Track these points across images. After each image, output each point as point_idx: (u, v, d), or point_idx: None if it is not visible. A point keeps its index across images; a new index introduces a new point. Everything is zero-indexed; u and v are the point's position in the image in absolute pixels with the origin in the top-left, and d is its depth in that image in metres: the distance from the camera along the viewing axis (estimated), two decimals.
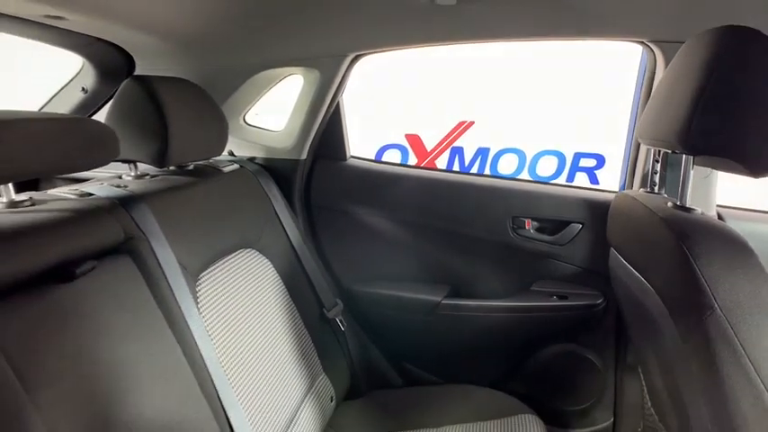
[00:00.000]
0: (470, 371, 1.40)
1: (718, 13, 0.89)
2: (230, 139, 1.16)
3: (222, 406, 0.83)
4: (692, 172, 0.80)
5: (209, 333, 0.87)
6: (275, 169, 1.32)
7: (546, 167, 3.15)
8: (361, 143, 1.46)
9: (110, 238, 0.74)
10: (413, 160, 3.26)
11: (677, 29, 1.00)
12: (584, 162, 3.15)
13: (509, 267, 1.34)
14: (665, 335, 0.77)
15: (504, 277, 1.35)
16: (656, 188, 1.04)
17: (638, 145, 1.20)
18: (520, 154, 3.20)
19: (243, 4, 0.98)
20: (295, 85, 1.34)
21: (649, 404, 1.06)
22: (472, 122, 3.36)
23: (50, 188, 0.89)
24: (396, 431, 1.19)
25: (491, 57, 3.01)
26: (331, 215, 1.41)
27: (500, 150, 3.27)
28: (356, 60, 1.22)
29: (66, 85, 1.24)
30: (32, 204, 0.72)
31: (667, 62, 1.04)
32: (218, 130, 1.08)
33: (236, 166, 1.22)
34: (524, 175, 3.18)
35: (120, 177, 0.97)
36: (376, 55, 1.23)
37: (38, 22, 0.92)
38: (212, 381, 0.82)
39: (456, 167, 3.27)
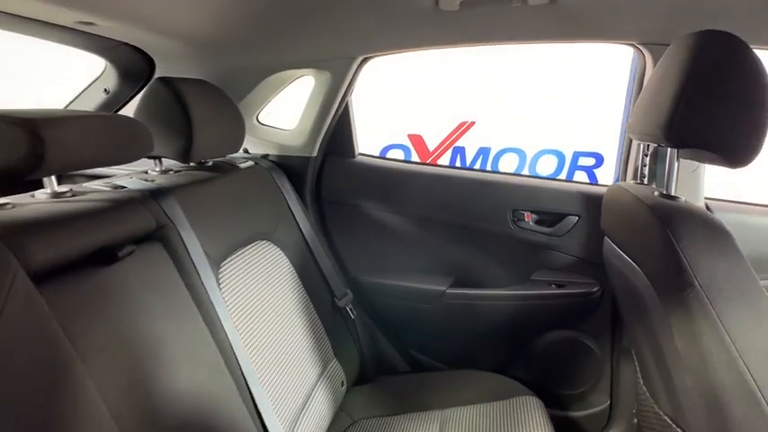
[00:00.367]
0: (474, 357, 1.46)
1: (701, 18, 0.96)
2: (245, 137, 1.23)
3: (246, 383, 0.89)
4: (676, 164, 0.87)
5: (232, 317, 0.94)
6: (287, 166, 1.39)
7: (546, 167, 3.20)
8: (364, 143, 1.53)
9: (143, 227, 0.81)
10: (415, 159, 3.32)
11: (664, 32, 1.06)
12: (584, 161, 3.19)
13: (510, 258, 1.41)
14: (652, 312, 0.84)
15: (505, 267, 1.41)
16: (646, 180, 1.12)
17: (630, 140, 1.27)
18: (520, 153, 3.24)
19: (259, 10, 1.05)
20: (301, 85, 1.41)
21: (642, 384, 1.12)
22: (473, 123, 3.42)
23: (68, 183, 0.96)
24: (404, 413, 1.26)
25: (490, 59, 3.07)
26: (340, 209, 1.48)
27: (501, 150, 3.32)
28: (365, 62, 1.29)
29: (89, 85, 1.31)
30: (73, 195, 0.79)
31: (655, 63, 1.10)
32: (236, 129, 1.15)
33: (251, 162, 1.29)
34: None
35: (146, 172, 1.04)
36: (381, 57, 1.30)
37: (69, 28, 0.99)
38: (237, 359, 0.89)
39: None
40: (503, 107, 3.22)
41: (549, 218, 1.37)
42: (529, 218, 1.38)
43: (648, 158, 1.15)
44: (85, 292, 0.67)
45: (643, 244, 0.85)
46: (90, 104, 1.33)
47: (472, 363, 1.43)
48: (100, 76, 1.29)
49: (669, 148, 0.86)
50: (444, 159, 3.31)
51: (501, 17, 1.07)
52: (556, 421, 1.16)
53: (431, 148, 3.42)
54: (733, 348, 0.70)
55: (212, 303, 0.88)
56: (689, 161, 1.16)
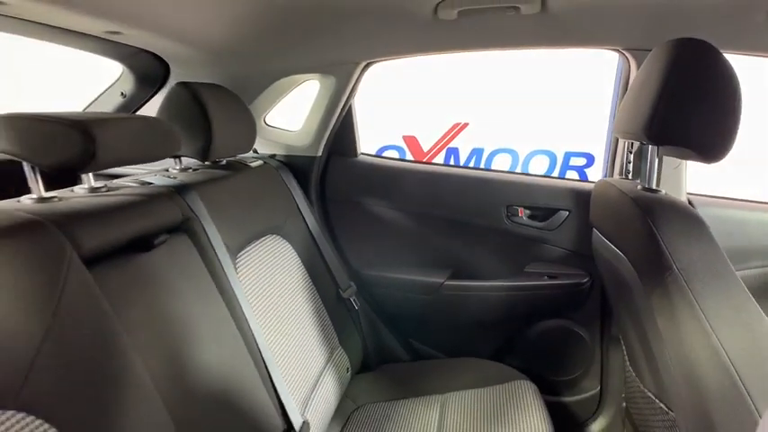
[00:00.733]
0: (471, 345, 1.53)
1: (679, 26, 1.05)
2: None
3: (264, 363, 0.97)
4: (657, 160, 0.96)
5: (249, 303, 1.01)
6: (294, 165, 1.46)
7: (538, 167, 3.27)
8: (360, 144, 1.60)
9: (171, 219, 0.89)
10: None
11: (646, 38, 1.15)
12: (575, 161, 3.27)
13: (504, 251, 1.48)
14: (636, 295, 0.92)
15: (500, 260, 1.49)
16: (630, 175, 1.20)
17: (617, 139, 1.35)
18: (513, 154, 3.31)
19: (269, 20, 1.12)
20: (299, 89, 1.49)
21: (629, 366, 1.20)
22: (466, 124, 3.50)
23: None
24: (406, 398, 1.33)
25: (482, 62, 3.15)
26: (343, 206, 1.55)
27: (494, 150, 3.40)
28: (368, 67, 1.36)
29: (106, 89, 1.38)
30: (108, 190, 0.86)
31: (639, 66, 1.19)
32: (249, 130, 1.22)
33: (260, 162, 1.37)
34: None
35: (167, 170, 1.11)
36: (383, 62, 1.38)
37: (96, 37, 1.06)
38: (255, 342, 0.96)
39: None
40: (495, 109, 3.29)
41: (541, 213, 1.45)
42: (522, 213, 1.46)
43: (633, 156, 1.23)
44: (126, 275, 0.74)
45: (627, 233, 0.93)
46: (107, 107, 1.39)
47: (469, 351, 1.51)
48: (117, 81, 1.36)
49: (650, 146, 0.94)
50: (438, 160, 3.38)
51: (495, 25, 1.15)
52: (549, 406, 1.23)
53: (425, 148, 3.49)
54: (707, 326, 0.78)
55: (233, 290, 0.95)
56: (672, 159, 1.25)
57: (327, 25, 1.16)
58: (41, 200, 0.74)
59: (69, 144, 0.68)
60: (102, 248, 0.71)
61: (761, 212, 1.38)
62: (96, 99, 1.39)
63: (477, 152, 3.42)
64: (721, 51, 0.85)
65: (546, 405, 1.23)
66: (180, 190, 0.95)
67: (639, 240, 0.87)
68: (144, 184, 0.96)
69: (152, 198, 0.87)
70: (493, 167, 3.29)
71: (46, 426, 0.55)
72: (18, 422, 0.53)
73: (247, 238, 1.11)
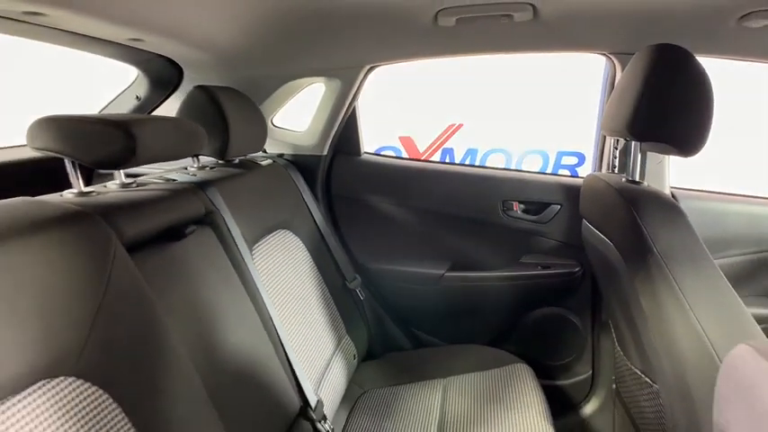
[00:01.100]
0: (470, 333, 1.62)
1: (659, 32, 1.14)
2: None
3: (282, 347, 1.04)
4: (640, 155, 1.05)
5: (266, 291, 1.09)
6: (301, 164, 1.54)
7: (531, 166, 3.35)
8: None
9: (196, 212, 0.96)
10: None
11: (630, 43, 1.24)
12: (567, 160, 3.36)
13: (500, 243, 1.57)
14: (622, 278, 1.01)
15: (496, 252, 1.57)
16: (617, 170, 1.29)
17: (604, 136, 1.45)
18: (507, 154, 3.41)
19: (279, 26, 1.19)
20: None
21: (618, 348, 1.29)
22: (461, 125, 3.58)
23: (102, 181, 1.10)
24: (410, 382, 1.41)
25: (476, 65, 3.23)
26: (348, 202, 1.63)
27: (488, 150, 3.49)
28: (371, 70, 1.45)
29: (121, 92, 1.45)
30: (137, 186, 0.94)
31: (623, 69, 1.28)
32: (261, 130, 1.30)
33: (269, 160, 1.44)
34: None
35: (186, 168, 1.18)
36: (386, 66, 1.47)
37: (116, 43, 1.13)
38: (274, 327, 1.04)
39: None
40: (489, 110, 3.38)
41: (535, 207, 1.53)
42: (517, 207, 1.54)
43: (619, 152, 1.32)
44: (161, 262, 0.82)
45: (613, 221, 1.02)
46: (122, 109, 1.47)
47: (469, 338, 1.59)
48: (132, 84, 1.43)
49: (634, 142, 1.03)
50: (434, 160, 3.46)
51: (491, 32, 1.23)
52: (544, 390, 1.31)
53: (421, 149, 3.57)
54: (685, 303, 0.86)
55: (252, 279, 1.03)
56: (655, 155, 1.34)
57: (333, 31, 1.24)
58: (82, 194, 0.82)
59: (113, 142, 0.76)
60: (140, 237, 0.78)
61: (739, 204, 1.48)
62: (111, 102, 1.46)
63: (471, 152, 3.50)
64: (697, 54, 0.95)
65: (541, 388, 1.31)
66: (201, 186, 1.03)
67: (624, 227, 0.96)
68: (168, 180, 1.03)
69: (177, 193, 0.94)
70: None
71: (100, 392, 0.63)
72: (77, 388, 0.61)
73: (261, 232, 1.19)
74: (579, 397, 1.60)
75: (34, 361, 0.56)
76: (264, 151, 1.56)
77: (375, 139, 3.37)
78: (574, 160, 3.30)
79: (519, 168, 3.28)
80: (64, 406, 0.58)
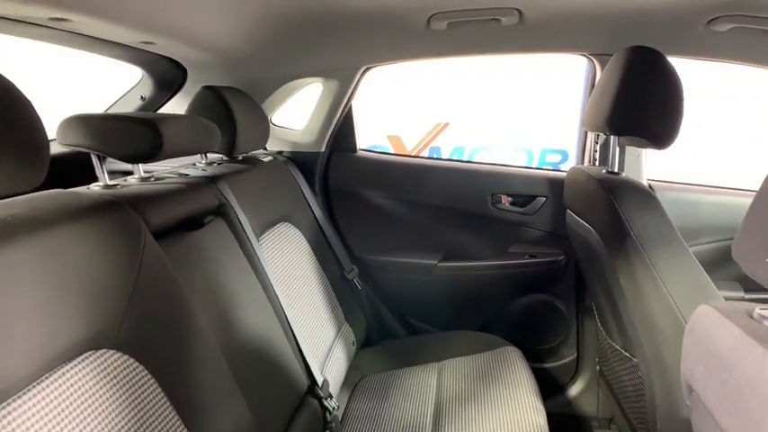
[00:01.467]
0: (462, 320, 1.70)
1: (635, 35, 1.23)
2: None
3: (291, 330, 1.12)
4: (618, 148, 1.14)
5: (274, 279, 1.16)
6: (299, 160, 1.61)
7: (516, 163, 3.44)
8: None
9: (210, 203, 1.03)
10: None
11: (608, 45, 1.33)
12: (550, 157, 3.47)
13: (490, 234, 1.66)
14: (603, 261, 1.10)
15: (486, 242, 1.66)
16: (597, 162, 1.39)
17: (585, 132, 1.54)
18: (492, 152, 3.50)
19: (279, 28, 1.26)
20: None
21: (601, 328, 1.38)
22: (447, 124, 3.67)
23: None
24: (406, 366, 1.49)
25: (460, 65, 3.32)
26: (345, 197, 1.70)
27: (474, 148, 3.58)
28: (367, 71, 1.52)
29: (126, 93, 1.51)
30: (155, 180, 1.00)
31: (603, 69, 1.37)
32: (264, 128, 1.37)
33: (270, 157, 1.51)
34: None
35: (194, 165, 1.25)
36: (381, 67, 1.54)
37: (126, 45, 1.19)
38: (284, 312, 1.11)
39: None
40: (473, 110, 3.47)
41: (522, 199, 1.63)
42: (505, 200, 1.63)
43: (599, 146, 1.42)
44: (182, 249, 0.88)
45: (594, 209, 1.11)
46: (127, 109, 1.52)
47: (461, 325, 1.67)
48: (137, 85, 1.49)
49: (612, 136, 1.13)
50: None
51: (480, 34, 1.32)
52: (533, 372, 1.39)
53: (409, 147, 3.66)
54: (659, 280, 0.95)
55: (262, 267, 1.10)
56: (633, 149, 1.44)
57: (331, 34, 1.31)
58: (107, 186, 0.88)
59: (142, 138, 0.82)
60: (164, 226, 0.85)
61: (711, 195, 1.59)
62: (116, 102, 1.52)
63: (458, 150, 3.59)
64: (669, 55, 1.04)
65: (530, 369, 1.40)
66: (213, 180, 1.09)
67: (604, 214, 1.05)
68: (181, 175, 1.10)
69: (193, 186, 1.01)
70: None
71: (136, 364, 0.70)
72: (117, 359, 0.68)
73: (266, 224, 1.26)
74: (566, 378, 1.70)
75: (81, 334, 0.62)
76: (265, 149, 1.62)
77: (363, 138, 3.45)
78: (558, 158, 3.41)
79: (506, 163, 3.38)
80: (106, 375, 0.65)
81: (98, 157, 0.87)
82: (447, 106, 3.58)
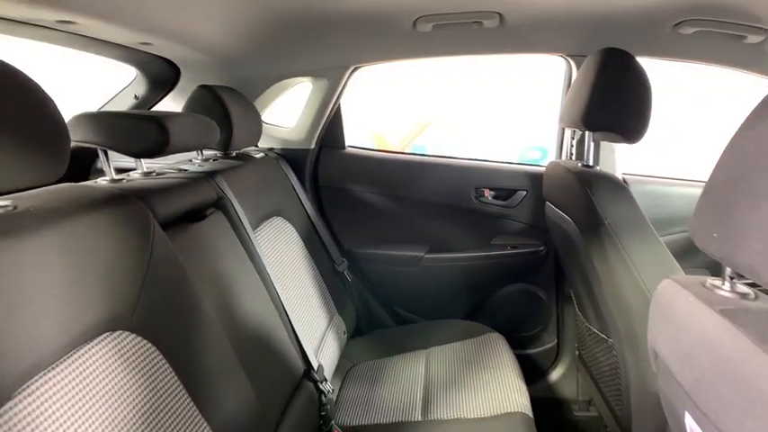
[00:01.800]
0: (448, 309, 1.77)
1: (607, 37, 1.31)
2: None
3: (288, 318, 1.17)
4: (592, 143, 1.22)
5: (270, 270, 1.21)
6: (289, 157, 1.66)
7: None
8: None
9: (209, 197, 1.08)
10: None
11: (583, 46, 1.41)
12: (530, 154, 3.57)
13: (474, 227, 1.73)
14: (579, 248, 1.17)
15: (470, 234, 1.73)
16: (574, 157, 1.47)
17: (563, 129, 1.62)
18: (474, 150, 3.59)
19: (270, 29, 1.30)
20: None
21: (579, 313, 1.46)
22: (430, 122, 3.75)
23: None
24: (395, 354, 1.55)
25: (443, 65, 3.40)
26: (335, 192, 1.76)
27: (456, 146, 3.67)
28: (355, 71, 1.58)
29: (120, 91, 1.54)
30: (157, 175, 1.05)
31: (578, 69, 1.46)
32: (257, 125, 1.42)
33: (262, 154, 1.56)
34: None
35: (191, 161, 1.29)
36: (369, 67, 1.60)
37: (123, 46, 1.23)
38: (281, 301, 1.17)
39: None
40: (454, 109, 3.55)
41: (504, 193, 1.70)
42: (488, 194, 1.70)
43: (576, 141, 1.50)
44: (187, 239, 0.93)
45: (571, 200, 1.19)
46: (121, 107, 1.55)
47: (447, 314, 1.74)
48: (131, 84, 1.52)
49: (587, 132, 1.20)
50: None
51: (463, 36, 1.39)
52: (516, 357, 1.47)
53: (393, 146, 3.73)
54: (630, 264, 1.03)
55: (259, 258, 1.15)
56: (608, 144, 1.53)
57: (321, 35, 1.36)
58: (114, 180, 0.93)
59: (150, 135, 0.87)
60: (170, 217, 0.90)
61: (681, 188, 1.69)
62: (110, 101, 1.55)
63: (440, 148, 3.67)
64: (639, 56, 1.12)
65: (514, 354, 1.47)
66: (210, 175, 1.14)
67: (580, 204, 1.13)
68: (180, 170, 1.14)
69: (193, 181, 1.06)
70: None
71: (149, 345, 0.75)
72: (132, 341, 0.73)
73: (260, 218, 1.31)
74: (547, 364, 1.78)
75: (100, 315, 0.67)
76: (256, 146, 1.67)
77: (348, 137, 3.50)
78: (538, 154, 3.51)
79: (489, 159, 3.48)
80: (123, 355, 0.70)
81: (104, 152, 0.91)
82: (430, 105, 3.66)
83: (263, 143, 1.69)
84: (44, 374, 0.58)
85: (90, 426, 0.62)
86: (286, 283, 1.29)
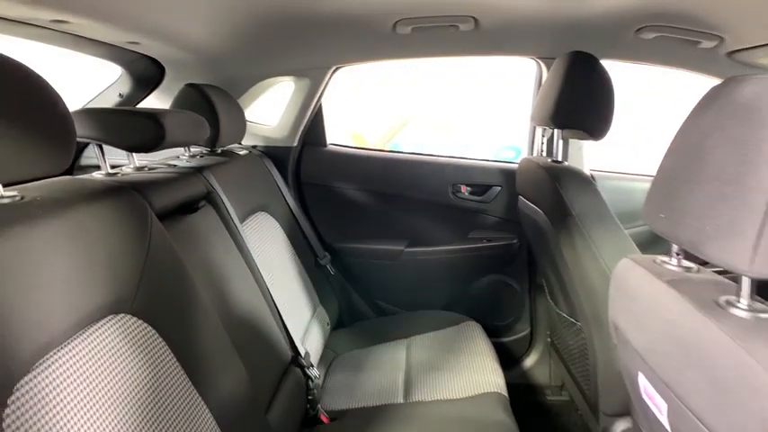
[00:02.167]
0: (427, 300, 1.84)
1: (575, 41, 1.39)
2: None
3: (276, 305, 1.22)
4: (561, 140, 1.31)
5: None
6: (272, 154, 1.71)
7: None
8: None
9: (199, 191, 1.12)
10: None
11: (553, 49, 1.49)
12: (505, 153, 3.68)
13: (451, 221, 1.80)
14: (549, 238, 1.26)
15: (448, 229, 1.80)
16: (544, 153, 1.56)
17: (534, 127, 1.71)
18: (450, 149, 3.67)
19: (254, 29, 1.34)
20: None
21: (550, 300, 1.55)
22: (407, 122, 3.83)
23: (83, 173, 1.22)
24: (377, 344, 1.61)
25: (420, 67, 3.48)
26: (317, 188, 1.81)
27: (432, 146, 3.76)
28: (337, 71, 1.64)
29: (104, 90, 1.56)
30: (149, 169, 1.09)
31: (548, 71, 1.54)
32: (242, 123, 1.46)
33: (246, 151, 1.60)
34: None
35: (178, 158, 1.33)
36: (350, 67, 1.66)
37: (111, 45, 1.26)
38: (267, 289, 1.22)
39: None
40: (431, 109, 3.64)
41: (479, 189, 1.78)
42: (464, 189, 1.78)
43: (546, 139, 1.59)
44: (180, 231, 0.98)
45: (541, 193, 1.27)
46: (106, 105, 1.57)
47: (427, 305, 1.81)
48: (115, 82, 1.55)
49: (556, 130, 1.29)
50: None
51: (440, 38, 1.46)
52: (492, 345, 1.55)
53: (371, 145, 3.80)
54: (596, 251, 1.11)
55: (248, 249, 1.20)
56: (576, 142, 1.62)
57: (304, 36, 1.42)
58: (109, 174, 0.96)
59: (146, 130, 0.91)
60: (165, 209, 0.94)
61: (645, 183, 1.78)
62: (94, 98, 1.57)
63: (417, 147, 3.75)
64: (604, 59, 1.21)
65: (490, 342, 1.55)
66: (199, 170, 1.18)
67: (549, 197, 1.21)
68: (170, 165, 1.18)
69: (183, 175, 1.10)
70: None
71: (150, 328, 0.80)
72: (134, 324, 0.77)
73: (247, 213, 1.35)
74: (521, 351, 1.87)
75: (105, 299, 0.72)
76: (240, 143, 1.71)
77: (329, 137, 3.56)
78: (512, 154, 3.62)
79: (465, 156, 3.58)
80: (125, 337, 0.75)
81: (100, 147, 0.95)
82: (407, 106, 3.74)
83: (246, 141, 1.73)
84: (57, 351, 0.63)
85: (99, 400, 0.66)
86: (272, 275, 1.33)
